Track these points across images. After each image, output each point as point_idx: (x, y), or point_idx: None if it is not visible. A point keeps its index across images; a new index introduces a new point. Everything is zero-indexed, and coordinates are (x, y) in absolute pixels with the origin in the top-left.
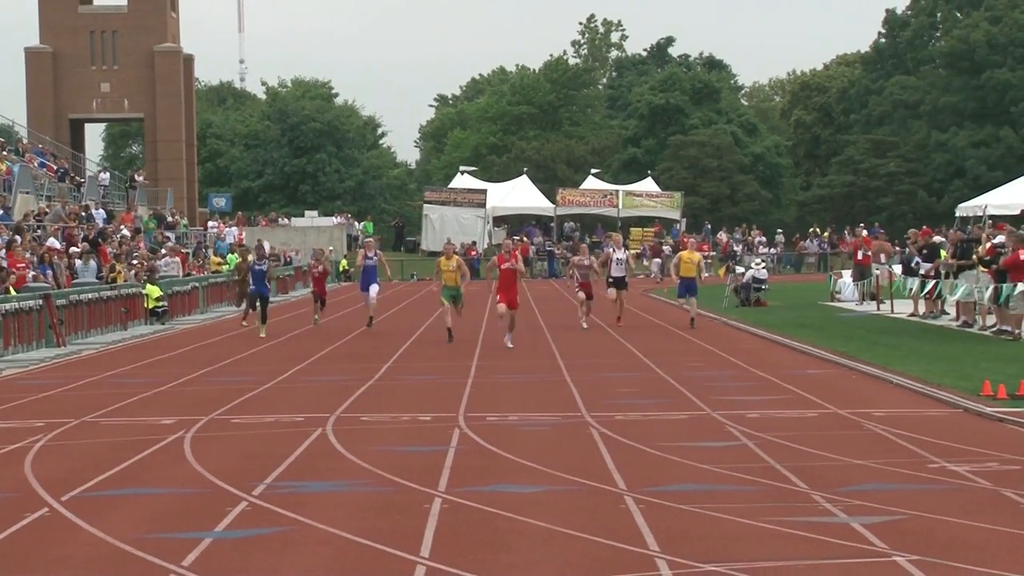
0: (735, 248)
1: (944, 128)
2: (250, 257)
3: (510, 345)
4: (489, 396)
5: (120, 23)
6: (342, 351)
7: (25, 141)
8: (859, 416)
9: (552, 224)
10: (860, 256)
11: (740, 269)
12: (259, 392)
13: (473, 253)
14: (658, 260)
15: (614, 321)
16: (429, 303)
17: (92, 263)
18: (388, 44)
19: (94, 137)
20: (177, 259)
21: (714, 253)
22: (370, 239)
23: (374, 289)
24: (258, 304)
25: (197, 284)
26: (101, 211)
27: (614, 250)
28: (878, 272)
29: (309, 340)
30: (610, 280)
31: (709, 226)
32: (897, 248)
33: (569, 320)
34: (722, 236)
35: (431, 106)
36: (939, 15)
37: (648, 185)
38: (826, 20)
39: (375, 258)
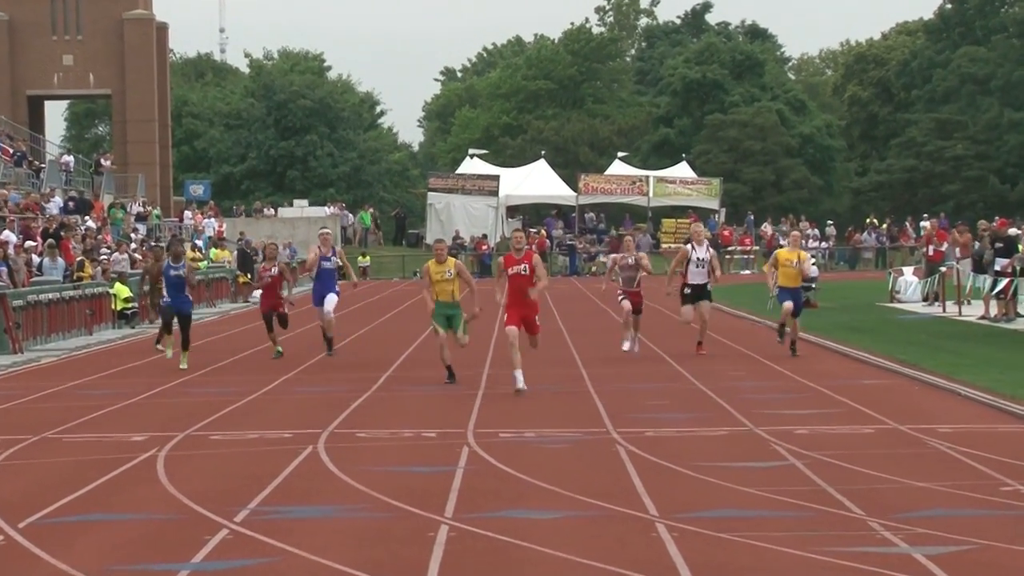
0: (781, 242)
1: (1018, 106)
2: (165, 258)
3: (521, 386)
4: (502, 409)
5: None
6: (336, 359)
7: None
8: (921, 432)
9: (573, 215)
10: (931, 252)
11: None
12: (241, 405)
13: (484, 248)
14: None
15: (694, 349)
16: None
17: (60, 260)
18: (387, 11)
19: (55, 116)
20: (124, 255)
21: (756, 248)
22: (326, 231)
23: (331, 301)
24: (176, 323)
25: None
26: (58, 199)
27: (694, 247)
28: (944, 269)
29: (294, 346)
30: (686, 291)
31: (752, 217)
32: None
33: (600, 335)
34: (766, 228)
35: (436, 81)
36: None
37: (682, 170)
38: None
39: (333, 259)
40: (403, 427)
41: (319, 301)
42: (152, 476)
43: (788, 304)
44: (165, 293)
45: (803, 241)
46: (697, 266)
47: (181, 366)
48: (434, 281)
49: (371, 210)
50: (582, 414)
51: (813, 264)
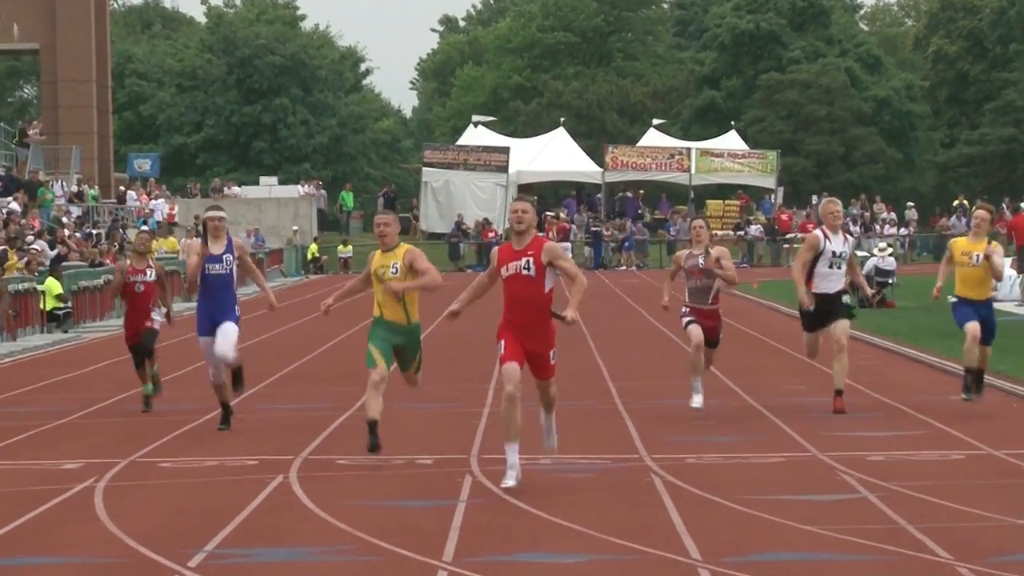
0: (851, 227)
1: None
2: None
3: (512, 481)
4: None
5: None
6: (310, 368)
7: None
8: (1022, 459)
9: (599, 196)
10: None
11: (858, 255)
12: (198, 425)
13: (491, 235)
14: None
15: (832, 401)
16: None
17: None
18: None
19: None
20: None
21: None
22: (217, 216)
23: (227, 335)
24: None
25: (112, 278)
26: None
27: (827, 239)
28: None
29: (262, 354)
30: (806, 312)
31: (816, 199)
32: None
33: (630, 340)
34: None
35: (434, 32)
36: None
37: (731, 141)
38: None
39: (230, 261)
40: (393, 452)
41: (207, 329)
42: (89, 512)
43: (973, 327)
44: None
45: (882, 228)
46: (831, 264)
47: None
48: (376, 278)
49: (354, 189)
50: (609, 437)
51: (890, 255)
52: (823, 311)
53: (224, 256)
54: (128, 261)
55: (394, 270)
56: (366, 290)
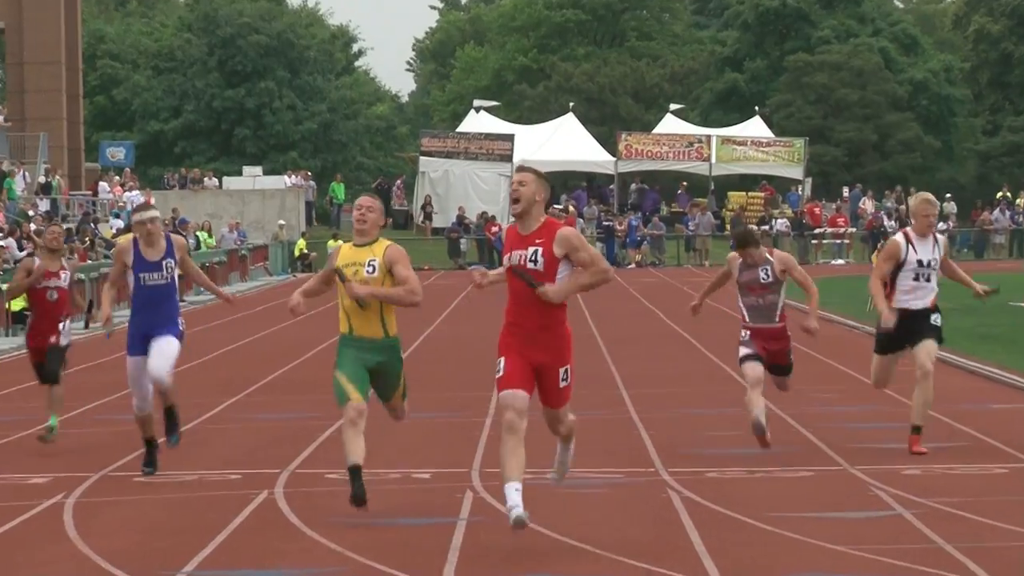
0: (885, 222)
1: None
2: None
3: (519, 513)
4: None
5: None
6: (297, 375)
7: None
8: None
9: (611, 187)
10: None
11: None
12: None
13: (495, 230)
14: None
15: (908, 444)
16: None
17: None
18: None
19: None
20: None
21: (854, 229)
22: (148, 218)
23: (162, 354)
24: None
25: (82, 276)
26: None
27: (911, 245)
28: None
29: (245, 360)
30: (883, 331)
31: (849, 191)
32: None
33: (646, 344)
34: (866, 204)
35: (433, 9)
36: None
37: (755, 128)
38: None
39: (171, 267)
40: (388, 466)
41: (138, 348)
42: (58, 530)
43: None
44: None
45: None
46: (918, 277)
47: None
48: (343, 277)
49: (345, 180)
50: (623, 449)
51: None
52: (904, 330)
53: (164, 262)
54: (38, 261)
55: (370, 268)
56: (325, 291)
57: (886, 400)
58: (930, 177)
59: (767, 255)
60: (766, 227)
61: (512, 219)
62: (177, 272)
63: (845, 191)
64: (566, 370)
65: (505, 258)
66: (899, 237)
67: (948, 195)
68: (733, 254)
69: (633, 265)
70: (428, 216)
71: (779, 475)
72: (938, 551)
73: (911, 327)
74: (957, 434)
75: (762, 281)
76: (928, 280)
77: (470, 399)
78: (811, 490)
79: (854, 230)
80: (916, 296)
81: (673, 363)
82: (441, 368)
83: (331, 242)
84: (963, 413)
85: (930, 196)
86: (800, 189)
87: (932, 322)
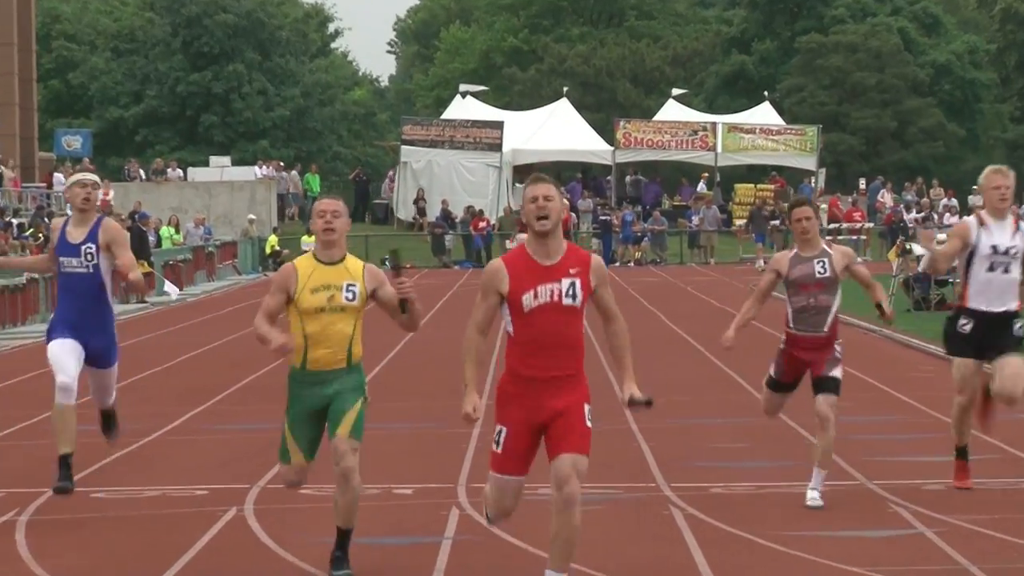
0: (905, 217)
1: None
2: None
3: None
4: None
5: None
6: (269, 382)
7: None
8: None
9: (608, 179)
10: None
11: (915, 250)
12: (136, 449)
13: (482, 227)
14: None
15: (953, 469)
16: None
17: None
18: None
19: None
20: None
21: (871, 224)
22: (88, 180)
23: (103, 388)
24: None
25: (35, 277)
26: None
27: (983, 227)
28: None
29: (212, 365)
30: (958, 330)
31: (866, 183)
32: None
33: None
34: (884, 197)
35: None
36: None
37: (764, 115)
38: None
39: (92, 255)
40: (366, 481)
41: (64, 332)
42: (10, 550)
43: None
44: None
45: (941, 217)
46: (993, 266)
47: None
48: (301, 311)
49: (320, 171)
50: (621, 462)
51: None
52: (983, 336)
53: (83, 247)
54: None
55: (350, 295)
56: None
57: (905, 409)
58: (953, 168)
59: (825, 246)
60: (776, 222)
61: (502, 214)
62: (107, 265)
63: (862, 183)
64: (589, 409)
65: (524, 297)
66: (971, 219)
67: (975, 187)
68: (782, 253)
69: (632, 263)
70: (422, 211)
71: (790, 490)
72: (962, 572)
73: (990, 333)
74: (983, 446)
75: (818, 276)
76: (1009, 272)
77: (456, 408)
78: (825, 507)
79: (871, 225)
80: (994, 293)
81: (675, 369)
82: (424, 375)
83: (305, 239)
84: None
85: (1002, 167)
86: (813, 181)
87: (1016, 330)
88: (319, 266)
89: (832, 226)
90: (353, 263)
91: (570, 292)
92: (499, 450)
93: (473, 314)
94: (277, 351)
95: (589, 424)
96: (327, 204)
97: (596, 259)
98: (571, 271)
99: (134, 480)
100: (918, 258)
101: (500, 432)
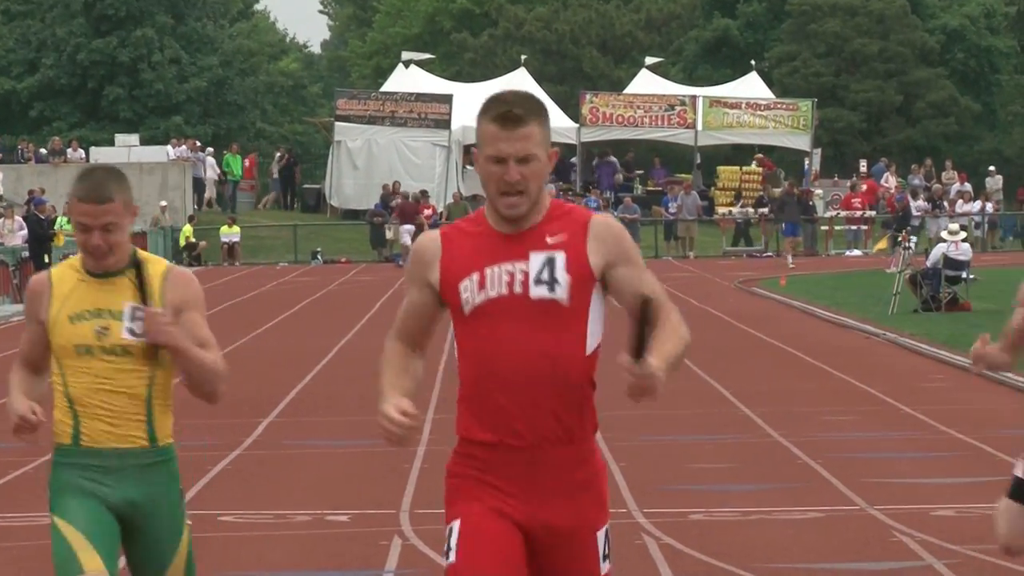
0: (912, 204)
1: None
2: None
3: None
4: None
5: None
6: (186, 393)
7: None
8: None
9: (573, 160)
10: None
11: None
12: (31, 470)
13: (428, 213)
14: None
15: None
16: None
17: None
18: None
19: None
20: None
21: (872, 213)
22: None
23: None
24: None
25: None
26: None
27: None
28: None
29: None
30: None
31: (868, 165)
32: None
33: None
34: (888, 180)
35: None
36: None
37: (751, 87)
38: None
39: None
40: (297, 507)
41: None
42: None
43: None
44: None
45: (953, 204)
46: None
47: None
48: (57, 351)
49: (242, 151)
50: None
51: (964, 240)
52: None
53: None
54: None
55: (128, 329)
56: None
57: (912, 424)
58: (967, 148)
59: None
60: (765, 209)
61: (451, 200)
62: None
63: (863, 165)
64: (606, 533)
65: (464, 286)
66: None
67: (992, 168)
68: None
69: None
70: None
71: (781, 517)
72: None
73: None
74: (999, 465)
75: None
76: None
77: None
78: (820, 535)
79: (874, 213)
80: None
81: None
82: (360, 386)
83: (224, 228)
84: (1006, 440)
85: None
86: (808, 162)
87: None
88: (83, 280)
89: (829, 215)
90: (153, 267)
91: (544, 275)
92: (456, 547)
93: (396, 316)
94: (16, 431)
95: (605, 563)
96: (87, 207)
97: (602, 220)
98: (549, 239)
99: (33, 506)
100: (923, 252)
101: (450, 531)
